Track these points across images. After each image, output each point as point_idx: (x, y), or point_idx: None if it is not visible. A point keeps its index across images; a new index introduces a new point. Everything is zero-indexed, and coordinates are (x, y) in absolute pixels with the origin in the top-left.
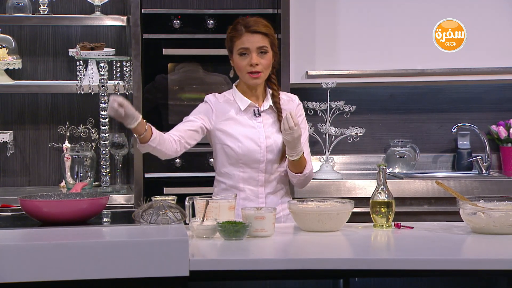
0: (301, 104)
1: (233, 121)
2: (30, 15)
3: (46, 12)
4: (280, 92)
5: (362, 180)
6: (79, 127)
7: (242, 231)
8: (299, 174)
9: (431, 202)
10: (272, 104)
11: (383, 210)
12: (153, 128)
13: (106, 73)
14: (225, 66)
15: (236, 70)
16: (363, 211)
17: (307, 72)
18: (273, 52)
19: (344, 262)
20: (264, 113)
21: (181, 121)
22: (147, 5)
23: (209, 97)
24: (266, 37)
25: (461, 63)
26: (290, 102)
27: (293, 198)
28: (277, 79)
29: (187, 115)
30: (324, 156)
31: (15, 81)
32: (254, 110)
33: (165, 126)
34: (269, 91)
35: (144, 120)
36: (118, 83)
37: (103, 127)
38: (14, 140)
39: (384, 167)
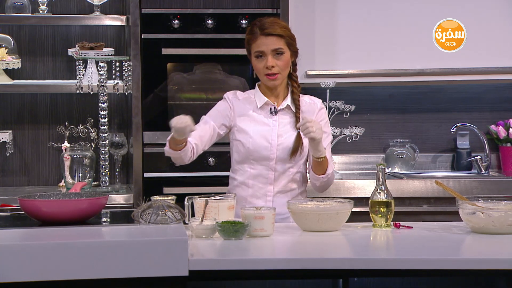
0: (324, 108)
1: (248, 118)
2: (30, 15)
3: (45, 12)
4: (305, 95)
5: (361, 180)
6: (78, 127)
7: (241, 231)
8: (322, 175)
9: (431, 202)
10: (290, 104)
11: (382, 210)
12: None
13: (105, 72)
14: (225, 66)
15: (255, 72)
16: (362, 211)
17: (306, 72)
18: (291, 52)
19: (344, 261)
20: (281, 112)
21: None
22: (146, 5)
23: (228, 95)
24: (282, 38)
25: (461, 63)
26: (312, 105)
27: None
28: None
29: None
30: None
31: (14, 81)
32: (270, 108)
33: (165, 126)
34: (290, 88)
35: None
36: (117, 82)
37: (102, 127)
38: (14, 140)
39: (384, 167)
